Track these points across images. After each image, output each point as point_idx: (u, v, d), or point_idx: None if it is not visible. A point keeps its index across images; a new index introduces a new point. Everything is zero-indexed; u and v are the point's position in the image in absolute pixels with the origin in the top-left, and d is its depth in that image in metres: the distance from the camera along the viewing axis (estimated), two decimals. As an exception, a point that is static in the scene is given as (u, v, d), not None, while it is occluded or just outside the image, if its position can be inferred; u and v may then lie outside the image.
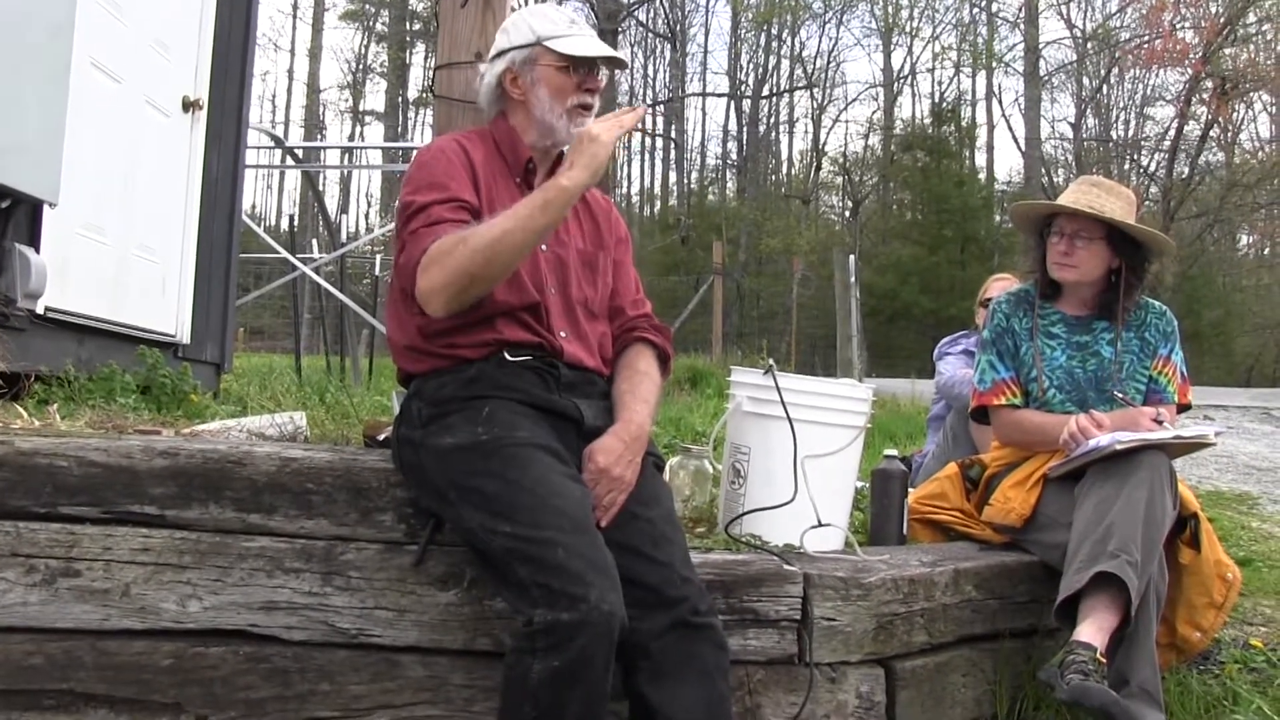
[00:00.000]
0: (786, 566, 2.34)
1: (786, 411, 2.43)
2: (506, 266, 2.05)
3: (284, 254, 8.91)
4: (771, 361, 2.57)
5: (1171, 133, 26.27)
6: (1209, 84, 24.04)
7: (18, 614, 2.08)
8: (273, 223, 30.24)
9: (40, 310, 3.51)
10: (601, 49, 2.26)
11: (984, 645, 2.64)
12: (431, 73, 3.06)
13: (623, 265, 2.44)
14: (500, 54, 2.30)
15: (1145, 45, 25.51)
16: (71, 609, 2.09)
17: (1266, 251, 30.40)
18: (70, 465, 2.11)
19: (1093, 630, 2.37)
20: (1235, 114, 26.34)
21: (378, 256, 13.71)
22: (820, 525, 2.52)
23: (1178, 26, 24.16)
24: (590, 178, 2.04)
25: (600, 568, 1.84)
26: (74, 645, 2.09)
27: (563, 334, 2.22)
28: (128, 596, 2.11)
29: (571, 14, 2.32)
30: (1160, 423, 2.76)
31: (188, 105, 4.70)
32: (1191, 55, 23.69)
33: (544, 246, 2.23)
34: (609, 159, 2.07)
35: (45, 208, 3.49)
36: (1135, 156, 29.27)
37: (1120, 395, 2.88)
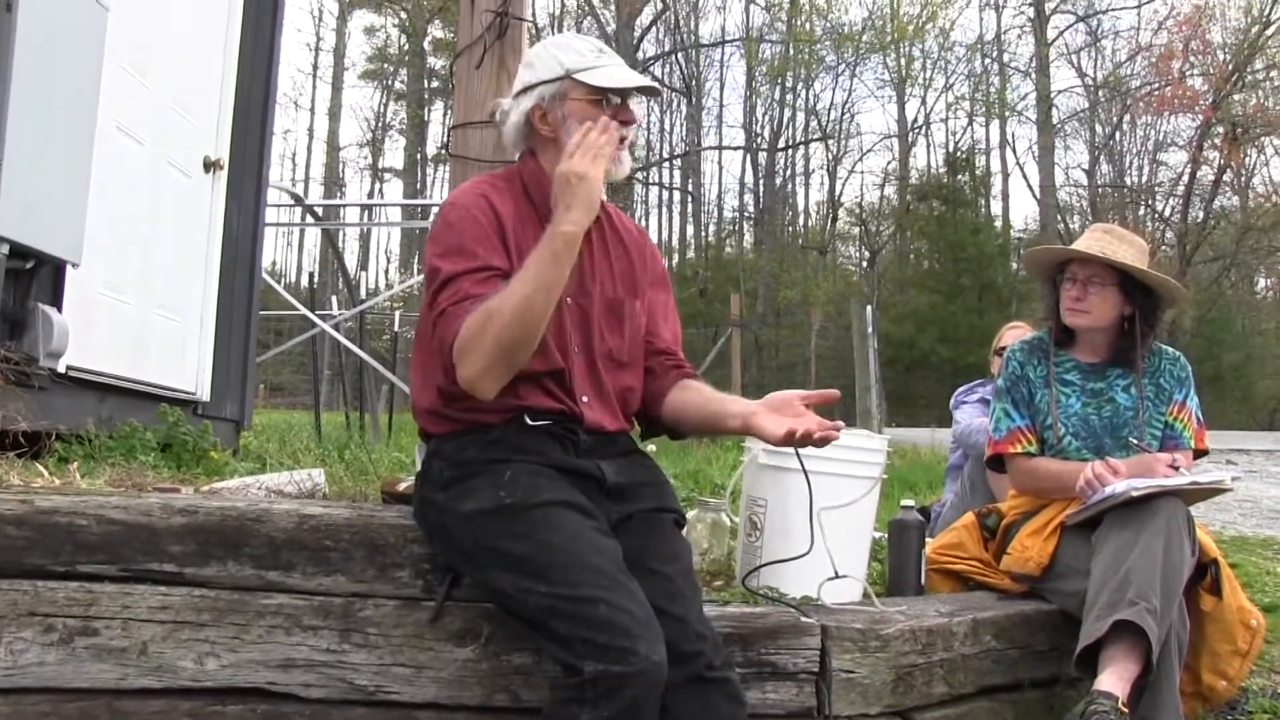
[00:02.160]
0: (804, 619, 2.33)
1: (802, 463, 2.43)
2: (540, 327, 2.02)
3: (304, 311, 8.99)
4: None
5: (1185, 178, 26.37)
6: (1220, 129, 24.17)
7: (34, 674, 2.07)
8: (293, 279, 30.58)
9: (62, 369, 3.55)
10: (634, 78, 2.19)
11: (1004, 695, 2.61)
12: (448, 132, 3.10)
13: (660, 306, 2.37)
14: (526, 89, 2.20)
15: (1156, 92, 25.70)
16: (89, 668, 2.09)
17: (1285, 294, 30.31)
18: (89, 523, 2.12)
19: (1114, 679, 2.34)
20: (1247, 158, 26.45)
21: (397, 313, 13.81)
22: (837, 576, 2.51)
23: (1187, 74, 24.35)
24: (588, 216, 2.03)
25: (644, 620, 1.84)
26: (91, 705, 2.08)
27: (584, 399, 2.17)
28: (145, 655, 2.10)
29: (599, 43, 2.24)
30: (1176, 469, 2.75)
31: (209, 165, 4.78)
32: (1202, 101, 23.85)
33: (568, 300, 2.17)
34: (601, 190, 2.07)
35: (68, 268, 3.54)
36: (1150, 201, 29.34)
37: (1136, 442, 2.87)
